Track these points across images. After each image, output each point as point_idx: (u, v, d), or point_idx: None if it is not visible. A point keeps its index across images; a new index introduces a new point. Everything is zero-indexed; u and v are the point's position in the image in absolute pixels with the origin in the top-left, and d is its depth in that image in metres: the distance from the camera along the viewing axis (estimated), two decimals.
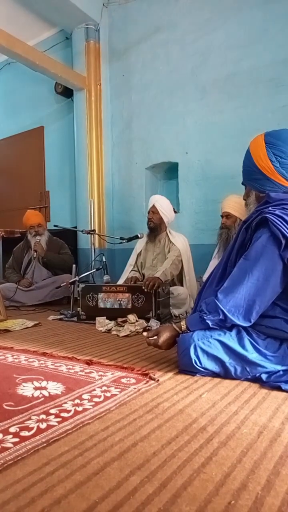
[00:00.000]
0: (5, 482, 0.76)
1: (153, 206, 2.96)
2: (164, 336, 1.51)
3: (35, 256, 3.59)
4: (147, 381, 1.36)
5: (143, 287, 2.51)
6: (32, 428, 0.99)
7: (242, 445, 0.91)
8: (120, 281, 3.02)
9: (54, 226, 3.45)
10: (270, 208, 1.37)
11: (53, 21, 4.46)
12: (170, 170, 4.11)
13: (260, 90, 3.31)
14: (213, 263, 2.83)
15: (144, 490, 0.74)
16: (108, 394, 1.24)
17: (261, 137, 1.50)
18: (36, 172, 5.11)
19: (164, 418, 1.07)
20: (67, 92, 4.58)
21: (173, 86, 3.86)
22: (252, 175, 1.51)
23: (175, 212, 3.18)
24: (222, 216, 2.84)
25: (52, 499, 0.71)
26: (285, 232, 1.29)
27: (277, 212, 1.34)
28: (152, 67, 4.02)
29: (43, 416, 1.07)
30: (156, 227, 2.99)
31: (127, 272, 3.10)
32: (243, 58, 3.40)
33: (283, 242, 1.29)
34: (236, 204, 2.71)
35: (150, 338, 1.53)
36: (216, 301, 1.37)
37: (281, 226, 1.30)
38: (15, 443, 0.91)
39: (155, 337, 1.52)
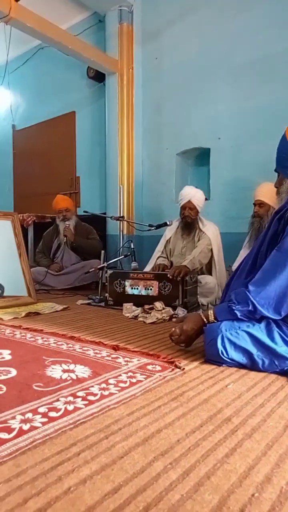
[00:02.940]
0: (34, 460, 0.79)
1: (190, 202, 2.87)
2: (190, 324, 1.50)
3: (64, 240, 3.66)
4: (173, 369, 1.37)
5: (169, 275, 2.50)
6: (60, 410, 1.02)
7: (267, 438, 0.91)
8: (147, 268, 3.02)
9: (84, 212, 3.49)
10: None
11: (86, 4, 4.41)
12: (201, 156, 4.04)
13: None
14: (244, 253, 2.77)
15: (167, 476, 0.75)
16: (133, 380, 1.25)
17: None
18: (67, 157, 5.16)
19: (189, 406, 1.07)
20: (99, 77, 4.56)
21: (205, 69, 3.76)
22: None
23: (206, 199, 3.13)
24: (254, 204, 2.76)
25: (78, 478, 0.74)
26: None
27: None
28: (184, 49, 3.92)
29: (70, 398, 1.10)
30: (193, 222, 2.95)
31: (155, 259, 3.09)
32: (278, 40, 3.25)
33: None
34: (269, 192, 2.62)
35: (173, 336, 1.53)
36: (247, 292, 1.35)
37: None
38: (43, 423, 0.94)
39: (178, 333, 1.51)
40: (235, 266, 2.60)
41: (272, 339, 1.32)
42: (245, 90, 3.49)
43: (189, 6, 3.85)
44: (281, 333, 1.34)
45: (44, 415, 0.99)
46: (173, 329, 1.55)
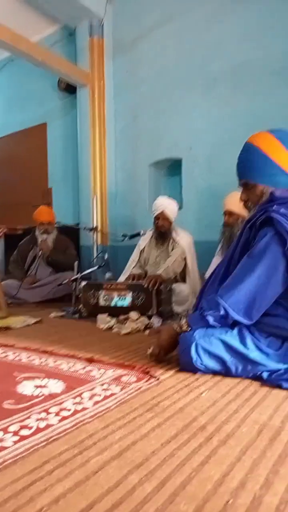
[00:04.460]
0: (4, 481, 0.77)
1: (163, 213, 2.90)
2: (166, 337, 1.51)
3: (40, 254, 3.59)
4: (148, 379, 1.36)
5: (144, 285, 2.50)
6: (32, 427, 0.99)
7: (241, 444, 0.91)
8: (121, 278, 3.01)
9: (56, 223, 3.45)
10: (275, 207, 1.36)
11: (57, 17, 4.43)
12: (173, 167, 4.10)
13: (269, 83, 3.26)
14: (216, 260, 2.82)
15: (142, 489, 0.74)
16: (108, 393, 1.24)
17: (268, 134, 1.46)
18: (39, 168, 5.11)
19: (164, 416, 1.07)
20: (70, 89, 4.57)
21: (179, 79, 3.82)
22: (265, 171, 1.45)
23: (179, 208, 3.16)
24: (224, 214, 2.82)
25: (51, 497, 0.72)
26: None
27: (282, 210, 1.33)
28: (156, 61, 3.99)
29: (43, 415, 1.07)
30: (166, 232, 2.98)
31: (130, 268, 3.09)
32: (252, 51, 3.34)
33: None
34: (238, 202, 2.67)
35: (153, 356, 1.55)
36: (217, 297, 1.37)
37: (286, 225, 1.29)
38: (15, 442, 0.91)
39: (157, 351, 1.54)
40: (208, 274, 2.62)
41: (245, 344, 1.35)
42: (219, 99, 3.55)
43: (161, 19, 3.92)
44: (253, 338, 1.36)
45: (15, 433, 0.96)
46: (150, 350, 1.56)
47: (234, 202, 2.67)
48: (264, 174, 1.46)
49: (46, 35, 4.85)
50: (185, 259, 2.92)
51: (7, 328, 2.35)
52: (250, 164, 1.50)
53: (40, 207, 3.79)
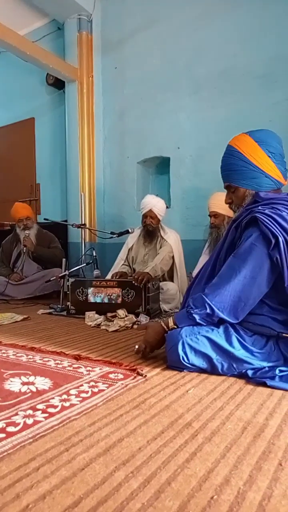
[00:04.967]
0: None
1: (151, 211, 2.92)
2: (152, 334, 1.53)
3: (24, 250, 3.57)
4: (135, 377, 1.37)
5: (133, 282, 2.51)
6: (19, 424, 0.99)
7: (226, 441, 0.93)
8: (109, 275, 3.02)
9: (44, 219, 3.43)
10: (260, 208, 1.39)
11: (45, 11, 4.37)
12: (162, 165, 4.11)
13: (253, 87, 3.31)
14: (203, 259, 2.84)
15: (128, 486, 0.75)
16: (95, 390, 1.24)
17: (247, 137, 1.50)
18: (27, 164, 5.05)
19: (150, 413, 1.08)
20: (58, 84, 4.52)
21: (166, 80, 3.83)
22: (246, 174, 1.48)
23: (167, 207, 3.18)
24: (210, 216, 2.84)
25: (37, 494, 0.72)
26: (274, 231, 1.30)
27: (266, 211, 1.36)
28: (145, 61, 3.98)
29: (30, 412, 1.07)
30: (154, 230, 2.99)
31: (118, 266, 3.10)
32: (237, 54, 3.39)
33: (273, 241, 1.30)
34: (222, 202, 2.70)
35: (139, 352, 1.57)
36: (203, 296, 1.39)
37: (270, 226, 1.31)
38: (1, 439, 0.91)
39: (143, 347, 1.55)
40: (195, 272, 2.65)
41: (230, 343, 1.37)
42: (205, 101, 3.58)
43: (149, 19, 3.92)
44: (238, 337, 1.39)
45: (2, 430, 0.96)
46: (137, 346, 1.57)
47: (218, 203, 2.70)
48: (245, 177, 1.49)
49: (33, 29, 4.78)
50: (172, 257, 2.94)
51: None
52: (231, 167, 1.53)
53: (15, 204, 3.76)
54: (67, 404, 1.13)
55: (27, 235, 3.57)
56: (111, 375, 1.39)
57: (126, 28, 4.12)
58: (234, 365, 1.36)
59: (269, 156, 1.45)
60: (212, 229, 2.81)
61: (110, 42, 4.26)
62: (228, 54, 3.44)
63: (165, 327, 1.51)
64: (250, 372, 1.34)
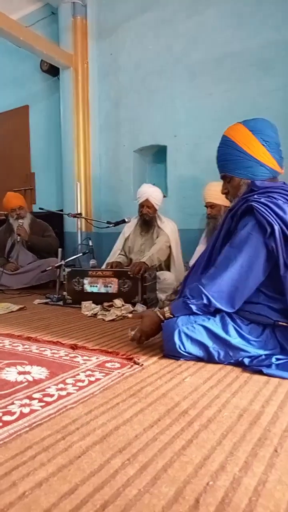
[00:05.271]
0: None
1: (148, 200, 2.89)
2: (148, 323, 1.53)
3: (18, 240, 3.55)
4: (131, 366, 1.37)
5: (129, 272, 2.51)
6: (15, 413, 0.99)
7: (222, 428, 0.94)
8: (105, 265, 3.01)
9: (39, 209, 3.40)
10: (255, 196, 1.38)
11: None
12: (158, 154, 4.06)
13: (249, 73, 3.26)
14: (200, 249, 2.83)
15: (125, 472, 0.75)
16: (92, 379, 1.24)
17: (241, 126, 1.48)
18: (21, 153, 4.99)
19: (147, 402, 1.08)
20: (53, 71, 4.44)
21: (162, 67, 3.78)
22: (241, 164, 1.47)
23: (163, 196, 3.16)
24: (206, 207, 2.82)
25: (33, 482, 0.72)
26: (270, 220, 1.30)
27: (262, 200, 1.35)
28: (141, 47, 3.91)
29: (26, 401, 1.07)
30: (151, 220, 2.97)
31: (114, 256, 3.08)
32: (233, 40, 3.33)
33: (268, 230, 1.30)
34: (217, 192, 2.67)
35: (134, 340, 1.57)
36: (200, 286, 1.39)
37: (266, 214, 1.31)
38: None
39: (138, 336, 1.56)
40: (192, 262, 2.65)
41: (227, 331, 1.37)
42: (201, 89, 3.54)
43: (145, 4, 3.84)
44: (235, 325, 1.39)
45: None
46: (132, 333, 1.57)
47: (213, 193, 2.67)
48: (240, 167, 1.48)
49: (26, 13, 4.66)
50: (169, 247, 2.93)
51: None
52: (226, 157, 1.52)
53: (7, 193, 3.72)
54: (63, 393, 1.13)
55: (20, 224, 3.55)
56: (108, 364, 1.39)
57: (121, 13, 4.04)
58: (231, 353, 1.36)
59: (264, 145, 1.44)
60: (209, 219, 2.79)
61: (105, 28, 4.18)
62: (224, 41, 3.38)
63: (161, 316, 1.51)
64: (246, 360, 1.34)
